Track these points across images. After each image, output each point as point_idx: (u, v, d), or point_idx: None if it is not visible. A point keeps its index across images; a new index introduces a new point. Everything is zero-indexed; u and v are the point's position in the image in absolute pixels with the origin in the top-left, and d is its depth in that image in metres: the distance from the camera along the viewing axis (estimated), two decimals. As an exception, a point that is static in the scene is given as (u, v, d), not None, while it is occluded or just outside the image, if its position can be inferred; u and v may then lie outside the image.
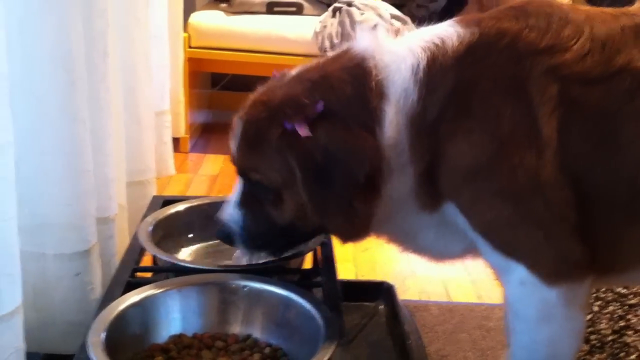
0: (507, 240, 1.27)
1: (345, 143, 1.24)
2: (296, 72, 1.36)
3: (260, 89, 1.38)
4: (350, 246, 2.40)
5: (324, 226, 1.36)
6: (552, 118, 1.19)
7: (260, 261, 1.53)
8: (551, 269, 1.24)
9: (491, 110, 1.22)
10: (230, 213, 1.44)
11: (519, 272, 1.26)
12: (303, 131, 1.24)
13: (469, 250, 1.39)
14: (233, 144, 1.38)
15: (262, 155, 1.32)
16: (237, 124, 1.36)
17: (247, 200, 1.42)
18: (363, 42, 1.33)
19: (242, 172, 1.40)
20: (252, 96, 1.37)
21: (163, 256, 1.58)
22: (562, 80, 1.20)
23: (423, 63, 1.26)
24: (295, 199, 1.32)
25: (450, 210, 1.30)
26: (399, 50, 1.29)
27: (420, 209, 1.32)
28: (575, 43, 1.22)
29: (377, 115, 1.26)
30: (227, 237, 1.46)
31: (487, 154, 1.22)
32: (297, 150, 1.26)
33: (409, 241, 1.42)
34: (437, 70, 1.25)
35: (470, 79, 1.24)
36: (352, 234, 1.37)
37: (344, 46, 1.38)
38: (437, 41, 1.27)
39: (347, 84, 1.28)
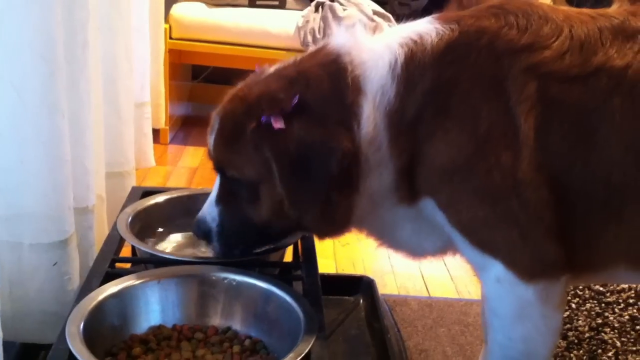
0: (483, 238, 1.28)
1: (319, 136, 1.25)
2: (274, 69, 1.37)
3: (238, 85, 1.39)
4: (330, 241, 2.41)
5: (301, 223, 1.36)
6: (530, 116, 1.20)
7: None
8: (527, 268, 1.25)
9: (469, 110, 1.23)
10: (208, 210, 1.45)
11: (496, 269, 1.27)
12: (277, 124, 1.25)
13: (446, 247, 1.40)
14: (210, 139, 1.39)
15: (238, 150, 1.33)
16: (214, 119, 1.38)
17: (224, 197, 1.43)
18: (340, 39, 1.34)
19: (218, 167, 1.41)
20: (230, 92, 1.38)
21: (142, 247, 1.57)
22: (540, 78, 1.21)
23: (401, 59, 1.26)
24: (271, 195, 1.32)
25: (429, 206, 1.31)
26: (376, 46, 1.30)
27: (398, 203, 1.33)
28: (555, 41, 1.23)
29: (353, 111, 1.27)
30: (203, 234, 1.47)
31: (464, 153, 1.23)
32: (273, 143, 1.26)
33: (386, 235, 1.43)
34: (415, 67, 1.25)
35: (449, 78, 1.24)
36: (331, 229, 1.38)
37: (322, 43, 1.39)
38: (416, 37, 1.27)
39: (323, 80, 1.29)
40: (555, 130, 1.21)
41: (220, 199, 1.43)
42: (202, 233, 1.47)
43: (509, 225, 1.24)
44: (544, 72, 1.21)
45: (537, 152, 1.20)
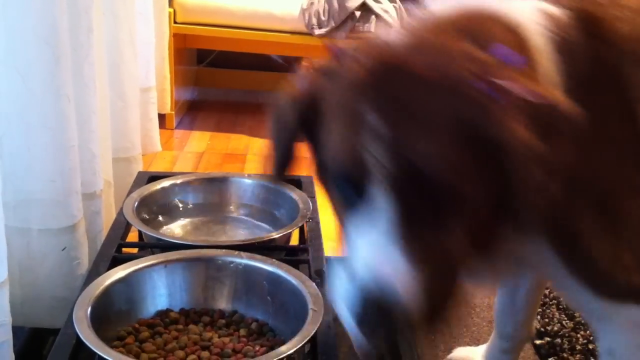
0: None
1: None
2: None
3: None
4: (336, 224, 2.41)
5: None
6: None
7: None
8: None
9: None
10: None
11: (633, 312, 1.02)
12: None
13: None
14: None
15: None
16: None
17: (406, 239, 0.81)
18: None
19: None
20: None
21: (149, 232, 1.58)
22: None
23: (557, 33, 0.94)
24: None
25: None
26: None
27: None
28: None
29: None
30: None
31: None
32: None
33: None
34: (568, 46, 0.94)
35: (610, 62, 0.96)
36: None
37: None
38: (548, 12, 0.95)
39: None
40: None
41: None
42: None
43: None
44: None
45: None
